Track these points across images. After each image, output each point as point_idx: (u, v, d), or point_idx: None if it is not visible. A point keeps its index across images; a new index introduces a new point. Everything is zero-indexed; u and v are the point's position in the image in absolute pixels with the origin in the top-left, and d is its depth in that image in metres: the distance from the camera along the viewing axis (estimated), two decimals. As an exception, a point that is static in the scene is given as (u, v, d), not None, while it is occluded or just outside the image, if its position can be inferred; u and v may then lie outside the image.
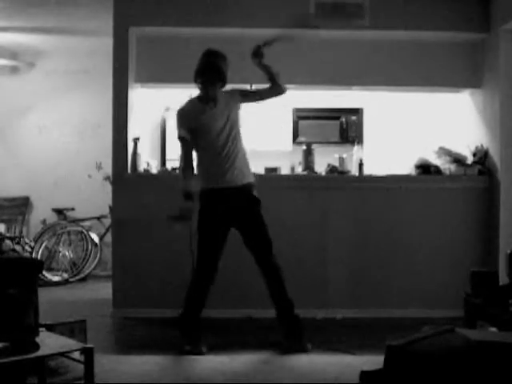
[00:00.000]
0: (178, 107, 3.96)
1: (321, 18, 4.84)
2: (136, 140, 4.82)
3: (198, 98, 3.93)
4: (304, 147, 5.09)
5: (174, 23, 4.84)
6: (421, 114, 5.92)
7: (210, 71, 3.82)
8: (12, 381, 2.82)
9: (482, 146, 5.00)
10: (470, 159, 5.00)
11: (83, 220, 6.76)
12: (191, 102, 3.96)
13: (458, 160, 4.96)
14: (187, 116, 3.87)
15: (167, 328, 4.44)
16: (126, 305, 4.78)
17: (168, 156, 6.22)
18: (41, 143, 7.02)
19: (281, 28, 4.10)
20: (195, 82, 3.88)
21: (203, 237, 3.85)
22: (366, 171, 4.99)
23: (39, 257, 6.38)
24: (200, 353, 3.74)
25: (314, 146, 5.10)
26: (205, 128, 3.83)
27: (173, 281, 4.73)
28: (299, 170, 5.09)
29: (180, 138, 3.87)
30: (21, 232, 6.76)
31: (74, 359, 3.07)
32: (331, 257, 4.85)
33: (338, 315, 4.77)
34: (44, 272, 6.16)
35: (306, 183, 4.89)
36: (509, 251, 3.51)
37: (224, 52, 3.95)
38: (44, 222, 6.96)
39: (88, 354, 2.65)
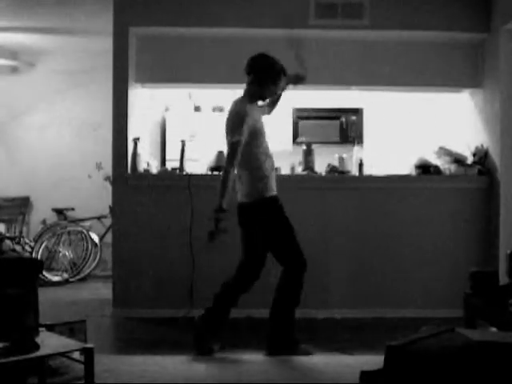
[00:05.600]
0: (238, 107, 3.68)
1: (321, 18, 4.85)
2: (136, 140, 4.82)
3: (250, 99, 3.76)
4: (304, 147, 5.09)
5: (173, 23, 4.84)
6: (421, 114, 5.93)
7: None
8: (12, 381, 2.82)
9: (482, 146, 5.00)
10: (470, 159, 5.00)
11: (83, 220, 6.76)
12: (244, 102, 3.72)
13: (458, 160, 4.96)
14: (252, 117, 3.65)
15: (167, 328, 4.45)
16: (126, 305, 4.78)
17: (168, 156, 6.22)
18: (41, 143, 7.03)
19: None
20: (274, 82, 3.75)
21: (290, 235, 3.74)
22: (366, 171, 4.99)
23: (39, 257, 6.38)
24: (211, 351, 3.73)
25: (313, 146, 5.10)
26: (262, 131, 3.73)
27: (173, 281, 4.74)
28: (299, 170, 5.09)
29: (237, 142, 3.57)
30: (21, 232, 6.77)
31: (74, 359, 3.07)
32: (331, 257, 4.86)
33: (337, 315, 4.78)
34: (44, 272, 6.16)
35: (305, 183, 4.89)
36: (509, 251, 3.52)
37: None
38: (44, 222, 6.96)
39: (88, 353, 2.65)
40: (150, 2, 4.83)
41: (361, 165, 4.97)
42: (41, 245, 6.51)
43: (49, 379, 3.06)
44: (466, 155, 5.01)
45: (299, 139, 6.12)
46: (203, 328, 3.78)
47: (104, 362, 3.45)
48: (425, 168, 4.95)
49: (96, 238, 6.67)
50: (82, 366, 2.71)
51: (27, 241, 6.64)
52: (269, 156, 3.78)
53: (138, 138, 4.84)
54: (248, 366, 3.54)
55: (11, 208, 6.84)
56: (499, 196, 4.76)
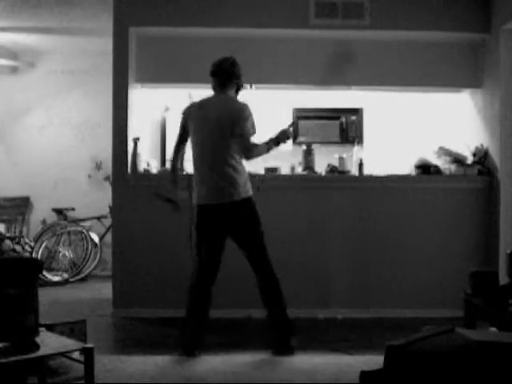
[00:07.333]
0: (245, 102, 3.85)
1: (321, 18, 4.85)
2: (136, 140, 4.82)
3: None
4: (304, 147, 5.09)
5: (173, 23, 4.84)
6: (421, 114, 5.92)
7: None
8: (12, 381, 2.82)
9: (482, 145, 5.00)
10: (470, 159, 5.00)
11: (83, 220, 6.76)
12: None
13: (458, 160, 4.96)
14: None
15: (167, 328, 4.45)
16: (126, 305, 4.78)
17: (168, 156, 6.20)
18: (41, 143, 7.02)
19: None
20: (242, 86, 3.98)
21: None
22: (366, 171, 4.98)
23: (39, 257, 6.38)
24: (191, 355, 3.71)
25: (313, 146, 5.10)
26: None
27: (173, 281, 4.73)
28: (299, 169, 5.09)
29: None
30: (21, 232, 6.76)
31: (74, 359, 3.07)
32: (331, 257, 4.86)
33: (338, 315, 4.78)
34: (44, 272, 6.16)
35: (306, 183, 4.89)
36: (509, 251, 3.51)
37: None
38: (44, 222, 6.96)
39: (88, 353, 2.65)
40: (150, 2, 4.83)
41: (361, 165, 4.97)
42: (41, 245, 6.51)
43: (49, 379, 3.06)
44: (465, 155, 5.01)
45: (299, 139, 6.11)
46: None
47: (104, 362, 3.46)
48: (425, 168, 4.95)
49: (96, 238, 6.67)
50: (82, 366, 2.71)
51: (27, 241, 6.64)
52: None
53: (138, 138, 4.85)
54: (247, 366, 3.54)
55: (11, 208, 6.83)
56: (499, 196, 4.76)
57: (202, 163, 3.80)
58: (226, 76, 3.87)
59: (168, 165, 5.29)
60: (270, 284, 3.82)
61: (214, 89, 3.92)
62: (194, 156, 3.87)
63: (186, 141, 3.95)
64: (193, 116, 3.87)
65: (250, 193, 3.83)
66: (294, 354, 3.74)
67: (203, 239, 3.87)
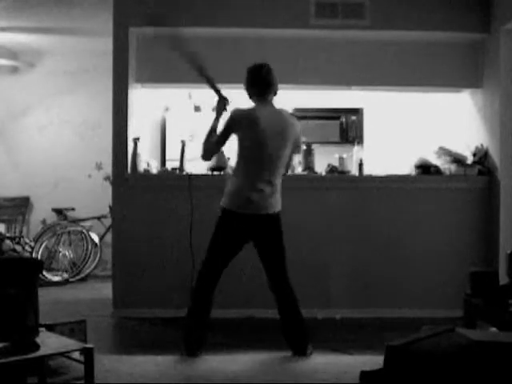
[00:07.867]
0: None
1: (321, 18, 4.85)
2: (136, 140, 4.82)
3: None
4: (304, 147, 5.09)
5: (173, 23, 4.83)
6: (421, 114, 5.92)
7: None
8: (12, 381, 2.82)
9: (482, 145, 5.00)
10: (470, 159, 5.00)
11: (83, 220, 6.76)
12: None
13: (458, 160, 4.96)
14: None
15: (167, 328, 4.45)
16: (126, 305, 4.78)
17: (168, 156, 6.21)
18: (41, 143, 7.03)
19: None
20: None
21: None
22: (366, 171, 4.99)
23: (39, 257, 6.38)
24: (192, 355, 3.70)
25: (313, 146, 5.10)
26: None
27: (173, 281, 4.74)
28: (299, 169, 5.09)
29: None
30: (21, 232, 6.77)
31: (74, 359, 3.07)
32: (331, 257, 4.86)
33: (337, 315, 4.78)
34: (44, 272, 6.16)
35: (306, 183, 4.89)
36: (509, 251, 3.51)
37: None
38: (44, 222, 6.97)
39: (88, 354, 2.65)
40: (150, 3, 4.83)
41: (361, 165, 4.97)
42: (41, 245, 6.51)
43: (49, 379, 3.06)
44: (465, 155, 5.01)
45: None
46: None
47: (104, 362, 3.46)
48: (425, 168, 4.95)
49: (96, 238, 6.67)
50: (81, 366, 2.71)
51: (27, 241, 6.64)
52: None
53: (138, 138, 4.85)
54: (247, 366, 3.54)
55: (11, 208, 6.84)
56: (499, 196, 4.76)
57: (257, 174, 3.74)
58: (267, 85, 3.82)
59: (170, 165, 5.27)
60: (289, 293, 3.80)
61: (251, 96, 3.87)
62: (245, 164, 3.77)
63: (224, 145, 3.89)
64: (250, 126, 3.72)
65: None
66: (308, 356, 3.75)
67: (223, 246, 3.77)
